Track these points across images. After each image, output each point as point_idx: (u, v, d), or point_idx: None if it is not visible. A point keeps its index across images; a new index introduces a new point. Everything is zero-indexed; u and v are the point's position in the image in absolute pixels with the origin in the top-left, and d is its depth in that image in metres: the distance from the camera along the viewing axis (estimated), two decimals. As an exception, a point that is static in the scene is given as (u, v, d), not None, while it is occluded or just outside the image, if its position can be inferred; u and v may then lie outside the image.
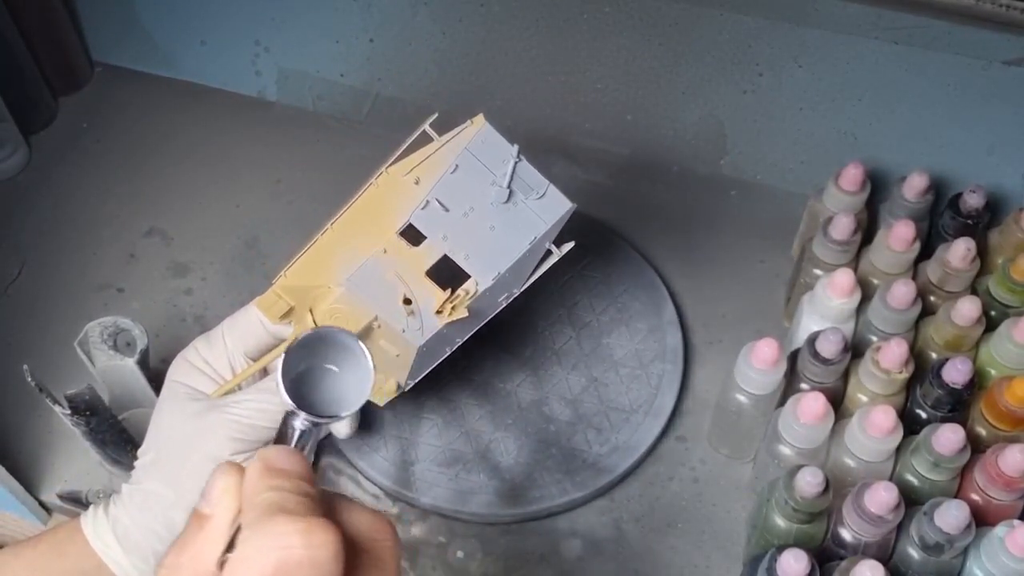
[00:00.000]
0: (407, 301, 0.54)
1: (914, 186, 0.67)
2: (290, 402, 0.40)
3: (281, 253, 0.79)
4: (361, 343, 0.43)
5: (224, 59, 0.88)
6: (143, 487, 0.54)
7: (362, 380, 0.43)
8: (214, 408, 0.54)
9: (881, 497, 0.52)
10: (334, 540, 0.32)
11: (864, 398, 0.60)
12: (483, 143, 0.55)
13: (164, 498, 0.53)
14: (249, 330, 0.57)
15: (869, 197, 0.69)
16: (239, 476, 0.36)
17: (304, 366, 0.43)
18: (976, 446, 0.56)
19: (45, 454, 0.68)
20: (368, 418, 0.66)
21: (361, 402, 0.43)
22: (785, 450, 0.58)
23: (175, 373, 0.57)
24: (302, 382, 0.43)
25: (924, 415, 0.59)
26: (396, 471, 0.65)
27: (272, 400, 0.54)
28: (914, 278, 0.65)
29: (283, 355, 0.42)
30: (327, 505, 0.36)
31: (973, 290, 0.64)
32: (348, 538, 0.33)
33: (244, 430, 0.53)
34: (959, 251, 0.62)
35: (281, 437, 0.41)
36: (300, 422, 0.40)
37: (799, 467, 0.54)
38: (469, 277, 0.55)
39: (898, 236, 0.63)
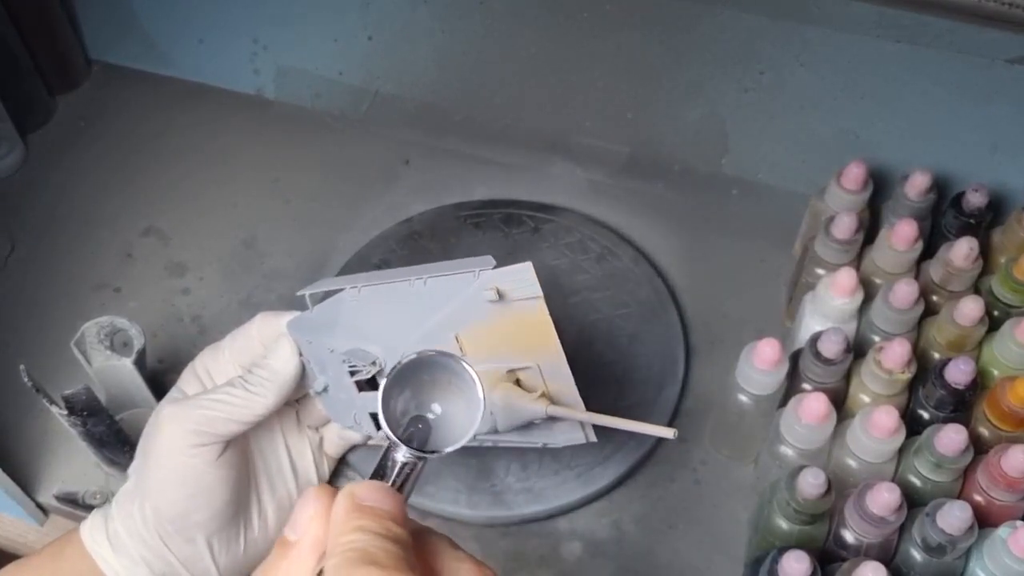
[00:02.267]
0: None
1: (916, 185, 0.67)
2: (391, 434, 0.37)
3: (279, 252, 0.79)
4: (470, 367, 0.39)
5: (222, 57, 0.87)
6: (126, 487, 0.55)
7: (470, 409, 0.39)
8: (179, 401, 0.54)
9: (883, 498, 0.52)
10: None
11: (866, 398, 0.60)
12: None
13: (137, 501, 0.53)
14: (246, 344, 0.57)
15: (871, 196, 0.68)
16: (328, 502, 0.34)
17: (406, 395, 0.39)
18: (979, 447, 0.56)
19: (42, 455, 0.67)
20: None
21: (471, 434, 0.39)
22: (787, 451, 0.58)
23: (181, 381, 0.57)
24: (403, 412, 0.39)
25: (926, 415, 0.59)
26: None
27: (233, 393, 0.53)
28: (916, 277, 0.65)
29: (382, 383, 0.38)
30: (423, 548, 0.34)
31: (976, 290, 0.64)
32: None
33: (202, 421, 0.52)
34: (962, 250, 0.62)
35: (379, 471, 0.38)
36: (402, 456, 0.37)
37: (801, 468, 0.53)
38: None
39: (900, 235, 0.63)
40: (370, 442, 0.61)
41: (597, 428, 0.54)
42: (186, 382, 0.57)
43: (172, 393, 0.57)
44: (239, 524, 0.56)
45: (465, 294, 0.50)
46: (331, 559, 0.32)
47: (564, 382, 0.52)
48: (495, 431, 0.53)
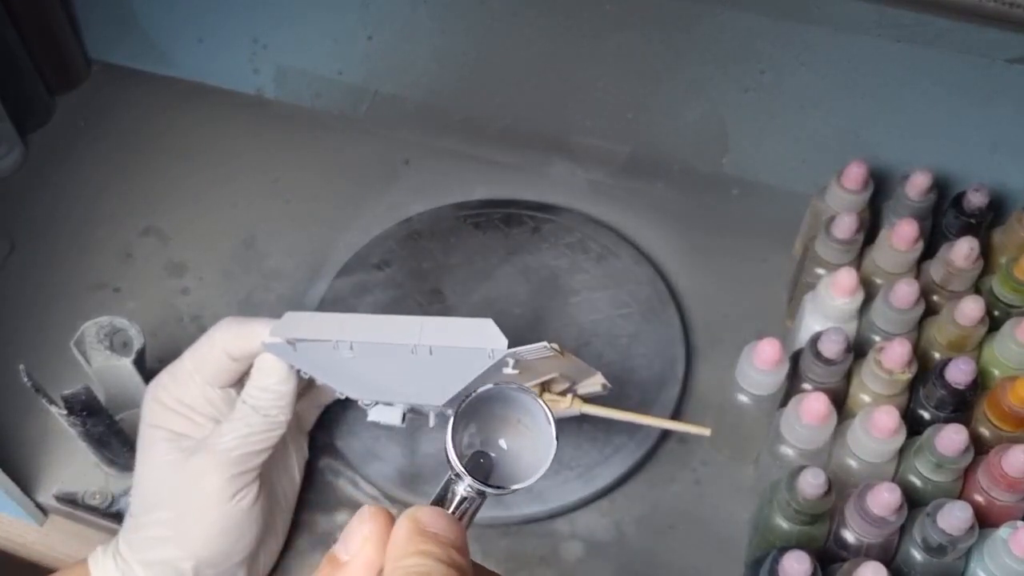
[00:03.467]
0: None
1: (917, 185, 0.67)
2: (460, 468, 0.36)
3: (279, 252, 0.78)
4: (543, 404, 0.37)
5: (222, 57, 0.87)
6: (148, 535, 0.53)
7: (541, 445, 0.37)
8: (200, 451, 0.52)
9: (884, 498, 0.51)
10: None
11: (867, 398, 0.60)
12: None
13: (171, 552, 0.52)
14: (215, 363, 0.54)
15: (872, 196, 0.68)
16: (384, 525, 0.33)
17: (471, 428, 0.38)
18: (979, 447, 0.56)
19: (41, 455, 0.67)
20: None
21: (541, 472, 0.37)
22: (787, 451, 0.58)
23: (149, 417, 0.55)
24: (468, 445, 0.38)
25: (927, 416, 0.59)
26: (394, 473, 0.64)
27: (252, 424, 0.52)
28: (917, 277, 0.65)
29: (452, 416, 0.37)
30: None
31: (976, 290, 0.64)
32: None
33: (238, 462, 0.51)
34: (962, 250, 0.62)
35: (439, 501, 0.37)
36: (464, 488, 0.36)
37: (801, 468, 0.53)
38: None
39: (901, 235, 0.63)
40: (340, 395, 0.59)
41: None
42: (160, 417, 0.55)
43: (152, 435, 0.54)
44: (263, 545, 0.56)
45: (481, 368, 0.50)
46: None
47: (584, 371, 0.54)
48: None
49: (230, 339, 0.54)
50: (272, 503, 0.58)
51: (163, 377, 0.56)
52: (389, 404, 0.57)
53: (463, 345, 0.50)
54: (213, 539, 0.52)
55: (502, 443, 0.39)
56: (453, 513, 0.36)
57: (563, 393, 0.57)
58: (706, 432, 0.49)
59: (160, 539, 0.53)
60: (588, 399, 0.57)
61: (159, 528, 0.53)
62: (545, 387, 0.56)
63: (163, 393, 0.55)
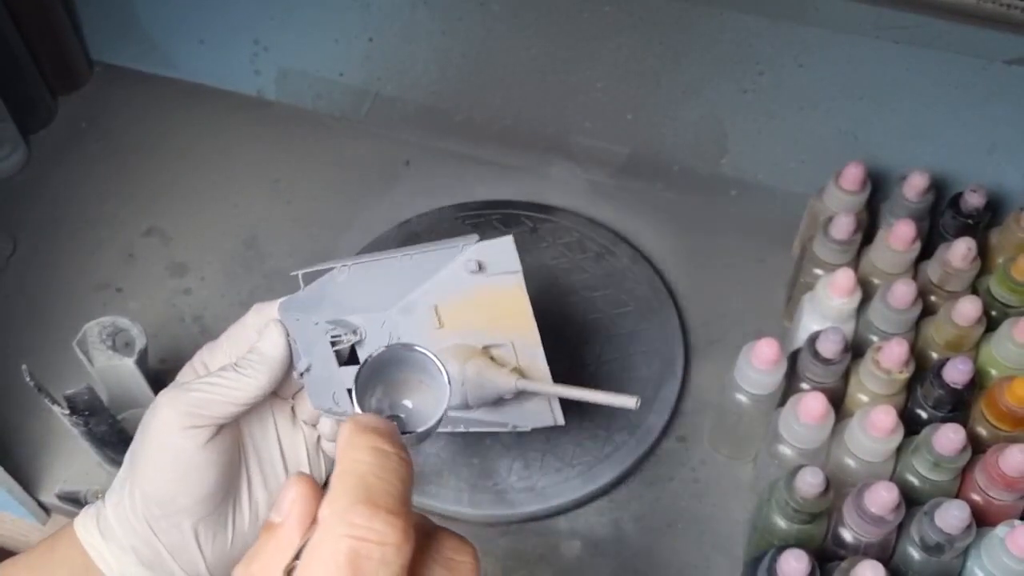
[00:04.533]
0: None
1: (915, 185, 0.67)
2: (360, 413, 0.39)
3: (280, 252, 0.79)
4: (432, 354, 0.40)
5: (223, 58, 0.87)
6: (119, 475, 0.55)
7: (438, 398, 0.41)
8: (174, 386, 0.54)
9: (882, 497, 0.52)
10: (407, 542, 0.32)
11: (865, 398, 0.60)
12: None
13: (126, 487, 0.54)
14: (242, 334, 0.57)
15: (870, 197, 0.69)
16: (311, 487, 0.35)
17: (378, 392, 0.41)
18: (977, 446, 0.56)
19: (44, 454, 0.68)
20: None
21: (439, 415, 0.41)
22: (785, 450, 0.58)
23: (179, 375, 0.58)
24: (377, 410, 0.41)
25: (925, 415, 0.59)
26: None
27: (225, 376, 0.53)
28: (915, 278, 0.65)
29: (356, 371, 0.40)
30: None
31: (974, 290, 0.64)
32: (424, 555, 0.33)
33: (196, 403, 0.52)
34: (960, 251, 0.62)
35: None
36: None
37: (799, 467, 0.54)
38: None
39: (899, 236, 0.63)
40: None
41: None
42: (184, 376, 0.57)
43: (171, 386, 0.57)
44: (227, 514, 0.56)
45: (448, 266, 0.51)
46: (333, 479, 0.33)
47: (537, 360, 0.53)
48: (466, 406, 0.54)
49: (257, 311, 0.57)
50: (250, 483, 0.58)
51: (204, 348, 0.58)
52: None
53: (438, 247, 0.52)
54: (157, 472, 0.53)
55: (407, 403, 0.42)
56: None
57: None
58: (632, 404, 0.49)
59: (121, 477, 0.54)
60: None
61: (125, 462, 0.55)
62: (491, 356, 0.56)
63: (197, 359, 0.57)
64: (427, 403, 0.42)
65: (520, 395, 0.53)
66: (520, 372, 0.52)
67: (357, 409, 0.40)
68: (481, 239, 0.52)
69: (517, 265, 0.51)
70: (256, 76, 0.88)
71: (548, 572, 0.62)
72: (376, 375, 0.41)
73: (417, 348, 0.41)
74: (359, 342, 0.55)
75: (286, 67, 0.87)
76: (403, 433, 0.39)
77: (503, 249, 0.51)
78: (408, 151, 0.84)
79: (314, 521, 0.34)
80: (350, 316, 0.54)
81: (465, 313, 0.52)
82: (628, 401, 0.50)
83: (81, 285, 0.77)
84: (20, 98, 0.83)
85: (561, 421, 0.55)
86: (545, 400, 0.54)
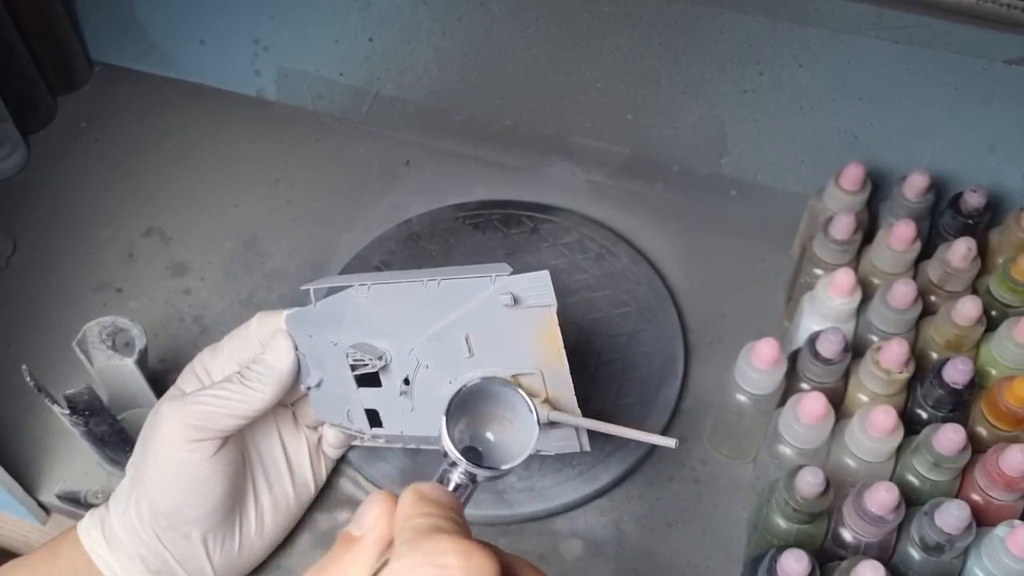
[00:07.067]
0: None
1: (915, 185, 0.67)
2: (455, 453, 0.39)
3: (280, 252, 0.79)
4: (524, 394, 0.41)
5: (223, 58, 0.87)
6: (122, 484, 0.55)
7: (525, 434, 0.41)
8: (177, 398, 0.54)
9: (881, 497, 0.52)
10: (493, 566, 0.32)
11: (864, 398, 0.60)
12: None
13: (132, 498, 0.54)
14: (244, 342, 0.57)
15: (869, 197, 0.69)
16: (393, 504, 0.36)
17: (460, 425, 0.41)
18: (977, 446, 0.56)
19: (44, 454, 0.68)
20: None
21: (526, 453, 0.41)
22: (785, 450, 0.58)
23: (179, 379, 0.58)
24: (459, 441, 0.41)
25: (925, 415, 0.59)
26: (396, 473, 0.65)
27: (231, 388, 0.53)
28: (915, 278, 0.65)
29: (447, 404, 0.41)
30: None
31: (974, 290, 0.64)
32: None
33: (200, 416, 0.52)
34: (960, 251, 0.62)
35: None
36: (458, 475, 0.39)
37: (799, 467, 0.54)
38: None
39: (899, 236, 0.63)
40: (364, 441, 0.61)
41: (592, 432, 0.55)
42: (185, 381, 0.58)
43: (171, 391, 0.57)
44: (234, 522, 0.56)
45: (480, 296, 0.51)
46: (401, 536, 0.34)
47: (564, 390, 0.53)
48: None
49: (260, 320, 0.57)
50: (256, 490, 0.58)
51: (206, 349, 0.59)
52: (381, 433, 0.59)
53: (468, 276, 0.51)
54: (164, 485, 0.53)
55: (489, 436, 0.42)
56: None
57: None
58: (671, 444, 0.49)
59: (126, 486, 0.55)
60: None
61: (129, 472, 0.55)
62: (519, 384, 0.56)
63: (197, 362, 0.58)
64: (508, 440, 0.42)
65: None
66: (551, 403, 0.52)
67: (446, 438, 0.39)
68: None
69: (552, 299, 0.50)
70: (256, 76, 0.88)
71: (548, 572, 0.62)
72: (463, 405, 0.41)
73: (511, 386, 0.41)
74: (384, 367, 0.54)
75: (286, 67, 0.87)
76: (480, 467, 0.39)
77: (538, 283, 0.50)
78: (408, 151, 0.84)
79: (390, 544, 0.35)
80: (374, 340, 0.54)
81: (496, 343, 0.52)
82: (668, 442, 0.50)
83: (81, 285, 0.77)
84: (20, 98, 0.83)
85: (587, 448, 0.55)
86: (571, 427, 0.54)
